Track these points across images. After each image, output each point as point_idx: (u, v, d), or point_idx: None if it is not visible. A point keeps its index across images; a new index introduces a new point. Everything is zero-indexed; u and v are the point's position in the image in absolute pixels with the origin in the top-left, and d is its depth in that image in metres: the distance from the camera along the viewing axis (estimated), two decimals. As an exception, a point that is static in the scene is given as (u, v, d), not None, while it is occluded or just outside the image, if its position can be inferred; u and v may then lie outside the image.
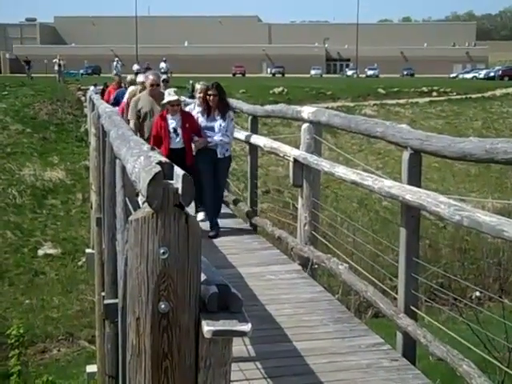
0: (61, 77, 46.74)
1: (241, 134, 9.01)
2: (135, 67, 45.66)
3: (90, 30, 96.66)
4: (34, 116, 32.76)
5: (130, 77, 14.29)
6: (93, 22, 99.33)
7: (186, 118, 8.02)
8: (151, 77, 8.94)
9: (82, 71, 65.36)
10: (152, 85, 8.83)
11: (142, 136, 8.35)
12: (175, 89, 8.11)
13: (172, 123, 7.92)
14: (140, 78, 10.72)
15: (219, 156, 8.11)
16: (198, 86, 8.68)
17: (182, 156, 7.73)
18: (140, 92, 9.74)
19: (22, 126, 31.06)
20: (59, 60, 48.30)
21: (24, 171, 26.57)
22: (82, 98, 34.66)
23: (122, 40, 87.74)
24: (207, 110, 8.09)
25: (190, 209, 2.34)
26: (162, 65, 53.31)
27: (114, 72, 38.00)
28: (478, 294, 14.31)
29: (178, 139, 7.90)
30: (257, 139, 8.41)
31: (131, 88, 11.62)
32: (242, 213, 9.23)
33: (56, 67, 48.42)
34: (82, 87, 39.20)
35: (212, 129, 8.04)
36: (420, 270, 4.87)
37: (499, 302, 11.19)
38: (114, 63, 52.88)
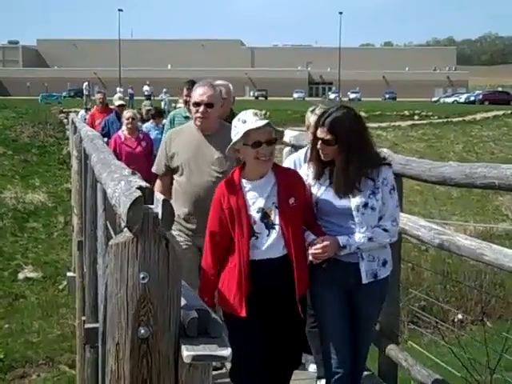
0: (88, 100, 46.51)
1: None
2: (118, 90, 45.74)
3: (72, 53, 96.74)
4: (16, 138, 32.63)
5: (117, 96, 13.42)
6: (75, 44, 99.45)
7: (289, 182, 3.48)
8: (199, 89, 4.54)
9: (64, 94, 65.26)
10: (197, 104, 4.50)
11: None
12: (261, 111, 3.52)
13: (254, 196, 3.43)
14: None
15: (365, 280, 3.54)
16: (311, 118, 4.31)
17: (284, 277, 3.42)
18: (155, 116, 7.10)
19: (3, 149, 30.89)
20: (88, 85, 49.15)
21: (5, 194, 26.35)
22: (65, 121, 34.59)
23: (104, 63, 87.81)
24: (318, 172, 3.57)
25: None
26: (146, 88, 53.49)
27: (162, 104, 35.87)
28: (460, 316, 14.33)
29: (273, 236, 3.40)
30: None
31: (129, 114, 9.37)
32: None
33: (85, 92, 48.81)
34: (64, 110, 39.15)
35: (346, 213, 3.49)
36: (402, 293, 4.88)
37: (481, 324, 11.21)
38: (162, 95, 43.00)
